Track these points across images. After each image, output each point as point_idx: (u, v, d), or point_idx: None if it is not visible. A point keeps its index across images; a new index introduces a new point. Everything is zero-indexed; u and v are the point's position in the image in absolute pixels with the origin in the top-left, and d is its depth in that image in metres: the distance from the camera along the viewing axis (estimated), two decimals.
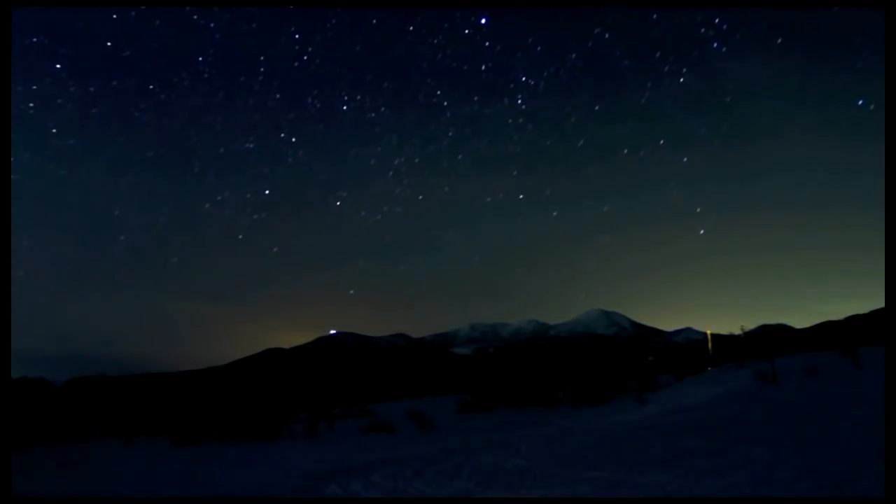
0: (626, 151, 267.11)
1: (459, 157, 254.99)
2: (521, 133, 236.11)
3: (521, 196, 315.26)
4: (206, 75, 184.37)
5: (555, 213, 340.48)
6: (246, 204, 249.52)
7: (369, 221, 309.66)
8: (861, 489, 6.08)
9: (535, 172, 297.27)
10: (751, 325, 43.87)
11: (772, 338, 36.66)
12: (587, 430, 16.11)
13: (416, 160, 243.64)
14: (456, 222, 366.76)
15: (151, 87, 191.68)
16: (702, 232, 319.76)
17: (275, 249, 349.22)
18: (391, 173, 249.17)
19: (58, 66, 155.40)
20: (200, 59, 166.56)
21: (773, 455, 8.44)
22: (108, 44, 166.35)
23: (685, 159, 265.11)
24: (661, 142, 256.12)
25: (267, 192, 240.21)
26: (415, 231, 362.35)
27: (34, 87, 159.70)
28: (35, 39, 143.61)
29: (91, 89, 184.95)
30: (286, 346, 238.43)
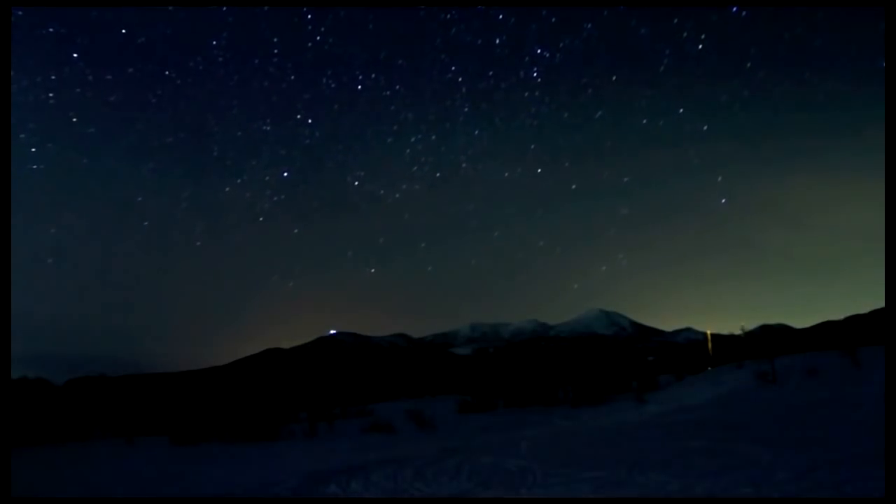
0: (644, 121, 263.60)
1: (476, 132, 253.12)
2: (537, 106, 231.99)
3: (539, 170, 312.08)
4: (220, 59, 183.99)
5: (574, 186, 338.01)
6: (265, 186, 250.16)
7: (388, 200, 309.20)
8: (861, 489, 6.08)
9: (553, 145, 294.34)
10: (751, 325, 43.88)
11: (772, 338, 36.67)
12: (587, 430, 16.11)
13: (433, 137, 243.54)
14: (475, 198, 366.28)
15: (167, 72, 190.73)
16: (723, 201, 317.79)
17: (295, 231, 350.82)
18: (408, 151, 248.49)
19: (75, 54, 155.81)
20: (214, 42, 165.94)
21: (774, 455, 8.44)
22: (123, 31, 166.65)
23: (705, 128, 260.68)
24: (681, 110, 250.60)
25: (286, 173, 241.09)
26: (434, 208, 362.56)
27: (52, 77, 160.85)
28: (51, 29, 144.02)
29: (108, 77, 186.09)
30: (286, 346, 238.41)
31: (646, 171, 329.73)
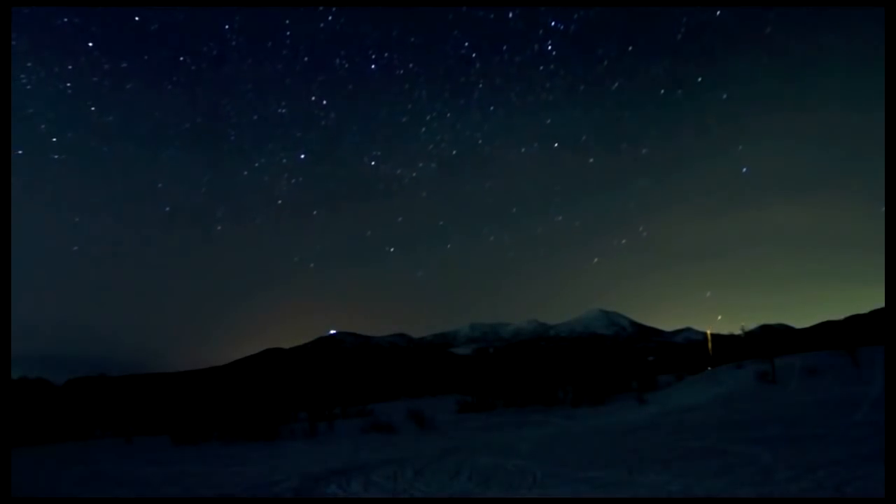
0: (662, 92, 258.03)
1: (491, 108, 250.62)
2: (552, 80, 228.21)
3: (555, 144, 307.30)
4: (233, 43, 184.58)
5: (591, 160, 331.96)
6: (283, 169, 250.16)
7: (405, 180, 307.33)
8: (861, 489, 6.08)
9: (570, 119, 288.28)
10: (751, 325, 43.92)
11: (772, 338, 36.70)
12: (587, 430, 16.11)
13: (448, 114, 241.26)
14: (491, 175, 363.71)
15: (181, 58, 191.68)
16: (744, 170, 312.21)
17: (314, 212, 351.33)
18: (423, 130, 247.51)
19: (90, 44, 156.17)
20: (227, 27, 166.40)
21: (773, 455, 8.44)
22: (136, 18, 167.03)
23: (724, 96, 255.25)
24: (699, 79, 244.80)
25: (302, 156, 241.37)
26: (451, 186, 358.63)
27: (70, 67, 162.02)
28: (66, 20, 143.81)
29: (124, 65, 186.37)
30: (286, 346, 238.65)
31: (664, 142, 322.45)
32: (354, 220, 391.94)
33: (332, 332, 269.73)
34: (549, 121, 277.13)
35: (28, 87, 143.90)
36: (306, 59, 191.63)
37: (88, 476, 12.83)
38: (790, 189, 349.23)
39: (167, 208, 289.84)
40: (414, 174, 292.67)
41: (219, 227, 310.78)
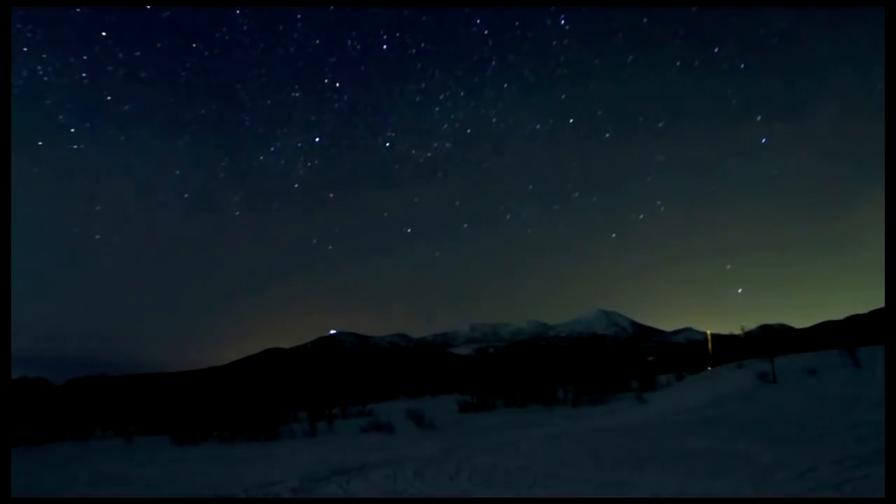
0: (678, 63, 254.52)
1: (505, 85, 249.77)
2: (566, 54, 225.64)
3: (571, 120, 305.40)
4: (245, 28, 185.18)
5: (607, 135, 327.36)
6: (298, 153, 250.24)
7: (420, 160, 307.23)
8: (861, 489, 6.08)
9: (585, 94, 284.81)
10: (751, 325, 43.96)
11: (772, 338, 36.71)
12: (587, 430, 16.10)
13: (462, 93, 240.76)
14: (507, 152, 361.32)
15: (194, 45, 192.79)
16: (763, 141, 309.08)
17: (331, 195, 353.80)
18: (437, 109, 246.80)
19: (103, 33, 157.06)
20: (238, 11, 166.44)
21: (773, 455, 8.44)
22: (148, 7, 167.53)
23: (742, 66, 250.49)
24: (716, 49, 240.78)
25: (317, 139, 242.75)
26: (466, 165, 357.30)
27: (84, 58, 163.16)
28: (78, 10, 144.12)
29: (137, 54, 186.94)
30: (286, 346, 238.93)
31: (681, 115, 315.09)
32: (371, 201, 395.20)
33: (332, 332, 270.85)
34: (563, 96, 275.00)
35: (45, 78, 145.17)
36: (318, 41, 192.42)
37: (88, 476, 12.83)
38: (804, 162, 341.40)
39: (185, 195, 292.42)
40: (429, 154, 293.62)
41: (237, 213, 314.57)
